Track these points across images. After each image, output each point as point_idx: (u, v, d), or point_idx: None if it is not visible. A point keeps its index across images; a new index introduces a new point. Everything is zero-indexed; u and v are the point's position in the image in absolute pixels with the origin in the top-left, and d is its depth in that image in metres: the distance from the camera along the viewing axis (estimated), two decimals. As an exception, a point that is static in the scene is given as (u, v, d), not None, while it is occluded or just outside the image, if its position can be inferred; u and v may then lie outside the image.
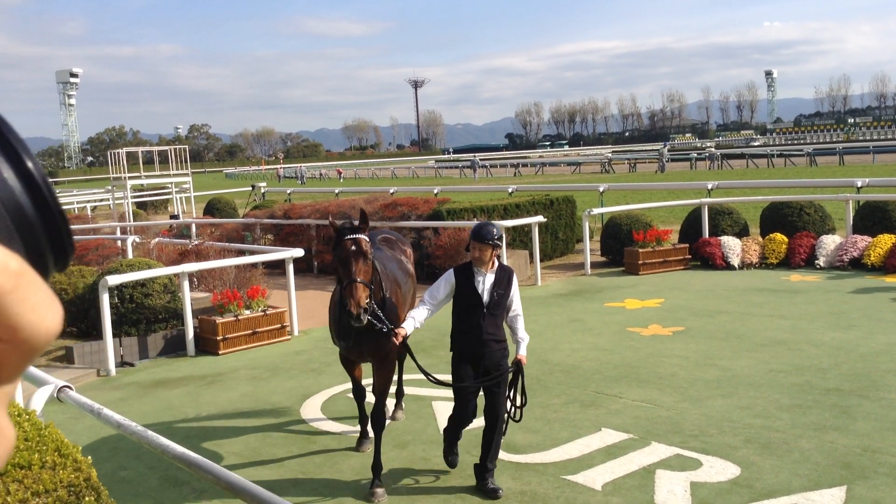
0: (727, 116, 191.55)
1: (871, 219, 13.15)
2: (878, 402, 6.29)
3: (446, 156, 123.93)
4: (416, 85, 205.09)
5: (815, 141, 75.08)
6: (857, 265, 12.32)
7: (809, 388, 6.75)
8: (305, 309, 11.49)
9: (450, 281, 5.18)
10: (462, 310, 5.15)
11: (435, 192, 21.91)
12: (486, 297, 5.06)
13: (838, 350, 7.85)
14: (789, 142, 75.69)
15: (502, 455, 5.61)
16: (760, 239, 13.88)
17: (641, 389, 7.01)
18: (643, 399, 6.74)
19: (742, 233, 14.43)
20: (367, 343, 5.32)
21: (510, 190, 19.41)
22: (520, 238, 14.54)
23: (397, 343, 5.06)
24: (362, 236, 5.04)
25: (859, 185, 14.79)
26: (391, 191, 22.34)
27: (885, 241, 12.33)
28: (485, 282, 5.09)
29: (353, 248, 4.97)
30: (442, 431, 5.60)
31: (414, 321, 5.08)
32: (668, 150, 61.12)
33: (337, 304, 5.34)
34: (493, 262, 5.15)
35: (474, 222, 13.59)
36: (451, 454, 5.44)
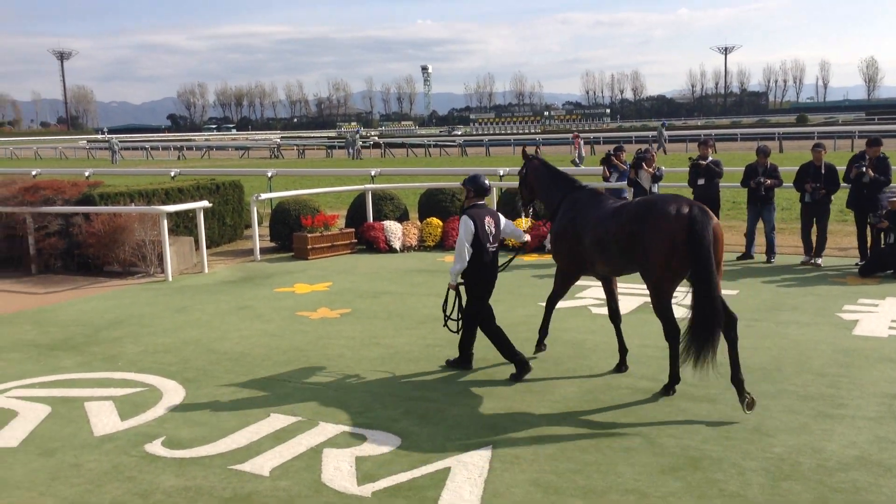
0: (389, 107, 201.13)
1: (512, 204, 14.70)
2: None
3: (101, 136, 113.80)
4: (62, 57, 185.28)
5: (513, 131, 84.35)
6: (503, 246, 13.66)
7: (461, 359, 7.36)
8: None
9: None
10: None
11: (86, 174, 20.10)
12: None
13: (485, 323, 8.65)
14: (484, 133, 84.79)
15: (164, 453, 5.36)
16: (419, 223, 14.83)
17: (310, 372, 7.12)
18: (312, 381, 6.86)
19: (403, 217, 15.29)
20: None
21: (172, 173, 18.45)
22: (184, 224, 13.89)
23: None
24: None
25: (501, 173, 16.43)
26: (33, 173, 20.00)
27: (522, 224, 13.85)
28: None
29: None
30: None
31: None
32: (360, 137, 57.90)
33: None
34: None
35: (133, 207, 12.70)
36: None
